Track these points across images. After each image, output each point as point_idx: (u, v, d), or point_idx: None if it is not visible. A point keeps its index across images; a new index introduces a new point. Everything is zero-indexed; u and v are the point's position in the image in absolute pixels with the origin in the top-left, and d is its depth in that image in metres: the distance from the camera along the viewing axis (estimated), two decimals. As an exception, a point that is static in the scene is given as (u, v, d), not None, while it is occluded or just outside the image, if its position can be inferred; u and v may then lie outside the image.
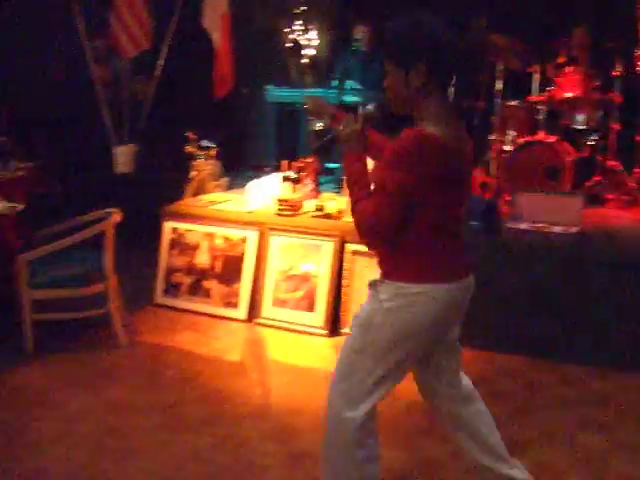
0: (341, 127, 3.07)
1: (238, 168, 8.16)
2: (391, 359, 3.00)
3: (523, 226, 5.56)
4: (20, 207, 5.66)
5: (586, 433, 4.20)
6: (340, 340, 5.45)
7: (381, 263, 3.07)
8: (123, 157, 8.49)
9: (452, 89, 7.19)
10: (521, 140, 6.92)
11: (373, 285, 3.05)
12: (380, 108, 3.09)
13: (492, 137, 7.27)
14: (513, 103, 7.29)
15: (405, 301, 2.92)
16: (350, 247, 5.63)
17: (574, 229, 5.54)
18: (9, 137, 8.11)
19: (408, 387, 3.30)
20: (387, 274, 3.00)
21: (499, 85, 7.32)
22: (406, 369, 3.12)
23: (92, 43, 8.54)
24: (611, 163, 6.92)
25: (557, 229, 5.51)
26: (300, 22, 9.08)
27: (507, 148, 7.13)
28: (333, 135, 3.15)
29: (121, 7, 8.30)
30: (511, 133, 7.21)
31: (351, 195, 3.00)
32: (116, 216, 5.36)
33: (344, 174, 3.36)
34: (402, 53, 2.91)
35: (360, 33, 7.82)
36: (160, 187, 7.73)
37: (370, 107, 3.11)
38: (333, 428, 3.11)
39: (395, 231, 2.87)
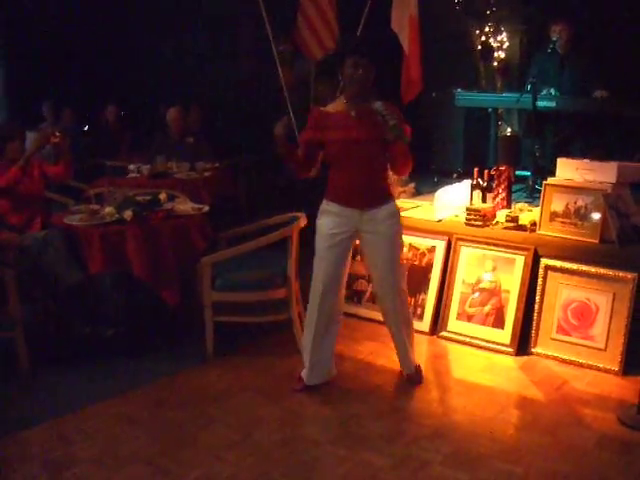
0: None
1: (424, 174, 7.96)
2: None
3: None
4: (206, 208, 5.69)
5: None
6: (528, 360, 5.19)
7: (385, 188, 4.62)
8: (307, 160, 8.44)
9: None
10: None
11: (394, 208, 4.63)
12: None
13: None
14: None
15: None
16: (544, 262, 5.32)
17: None
18: (197, 138, 8.27)
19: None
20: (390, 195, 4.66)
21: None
22: None
23: (278, 46, 8.56)
24: None
25: None
26: (491, 24, 8.80)
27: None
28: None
29: (308, 8, 8.27)
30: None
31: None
32: (301, 221, 5.29)
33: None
34: (374, 53, 4.32)
35: (556, 34, 7.45)
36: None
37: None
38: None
39: None
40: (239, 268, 5.31)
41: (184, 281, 5.40)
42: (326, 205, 4.59)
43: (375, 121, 4.32)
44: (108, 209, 5.34)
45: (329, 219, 4.54)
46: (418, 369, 4.91)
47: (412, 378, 4.87)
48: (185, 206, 5.73)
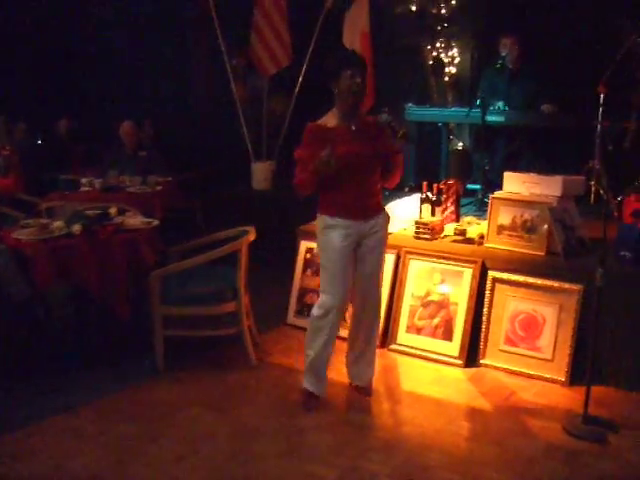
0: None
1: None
2: None
3: (679, 257, 5.17)
4: (156, 222, 5.68)
5: None
6: (477, 372, 5.24)
7: (379, 199, 4.72)
8: (261, 174, 8.50)
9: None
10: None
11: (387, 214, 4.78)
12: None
13: (646, 160, 6.87)
14: (670, 123, 6.86)
15: None
16: (491, 274, 5.38)
17: None
18: (150, 152, 8.26)
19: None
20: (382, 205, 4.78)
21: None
22: None
23: (232, 61, 8.59)
24: None
25: None
26: (442, 39, 8.90)
27: (662, 172, 6.72)
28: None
29: (262, 25, 8.33)
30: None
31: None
32: (250, 234, 5.29)
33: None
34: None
35: (505, 49, 7.55)
36: (297, 205, 7.66)
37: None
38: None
39: None
40: (190, 282, 5.29)
41: (135, 295, 5.39)
42: (331, 220, 4.56)
43: (373, 134, 4.46)
44: (57, 223, 5.30)
45: (338, 233, 4.54)
46: (370, 381, 4.94)
47: (364, 390, 4.89)
48: (135, 220, 5.71)
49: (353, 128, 4.46)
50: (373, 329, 4.84)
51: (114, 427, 4.42)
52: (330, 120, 4.53)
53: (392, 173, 4.65)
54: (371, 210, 4.62)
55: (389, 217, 4.83)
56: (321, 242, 4.65)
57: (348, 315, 5.39)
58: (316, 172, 4.31)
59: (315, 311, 4.66)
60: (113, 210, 5.67)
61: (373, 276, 4.72)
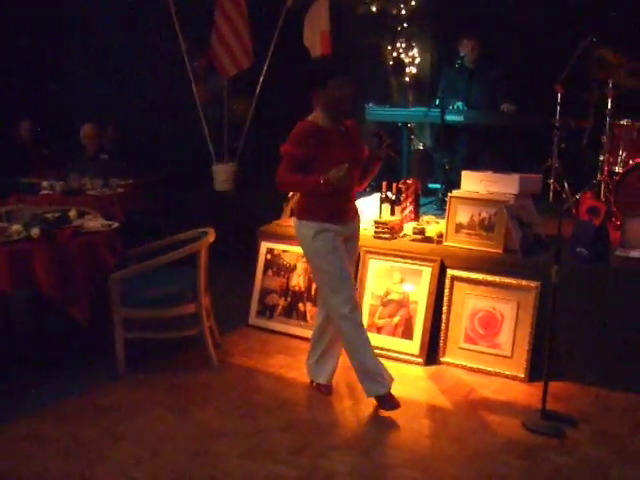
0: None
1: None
2: None
3: (634, 254, 5.23)
4: (115, 225, 5.65)
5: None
6: (437, 370, 5.28)
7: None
8: (223, 175, 8.50)
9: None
10: (633, 161, 6.58)
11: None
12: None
13: (601, 158, 6.95)
14: (624, 122, 6.94)
15: None
16: (450, 272, 5.43)
17: (690, 258, 5.18)
18: (112, 155, 8.23)
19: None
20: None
21: (609, 103, 6.95)
22: None
23: (193, 62, 8.58)
24: None
25: (671, 258, 5.17)
26: (402, 39, 8.95)
27: (618, 170, 6.80)
28: None
29: (222, 26, 8.33)
30: (622, 154, 6.88)
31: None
32: (210, 236, 5.29)
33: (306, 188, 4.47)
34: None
35: (464, 49, 7.61)
36: (258, 206, 7.68)
37: None
38: None
39: None
40: (150, 284, 5.28)
41: (95, 298, 5.36)
42: (321, 226, 4.50)
43: (356, 138, 4.55)
44: (15, 227, 5.25)
45: (329, 235, 4.52)
46: (331, 379, 4.96)
47: (326, 389, 4.92)
48: (95, 223, 5.68)
49: (342, 129, 4.48)
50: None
51: (74, 431, 4.39)
52: (320, 121, 4.48)
53: (367, 178, 4.72)
54: (352, 213, 4.70)
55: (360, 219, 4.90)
56: (313, 249, 4.57)
57: (310, 316, 5.45)
58: (328, 185, 4.25)
59: (337, 319, 4.62)
60: (72, 213, 5.64)
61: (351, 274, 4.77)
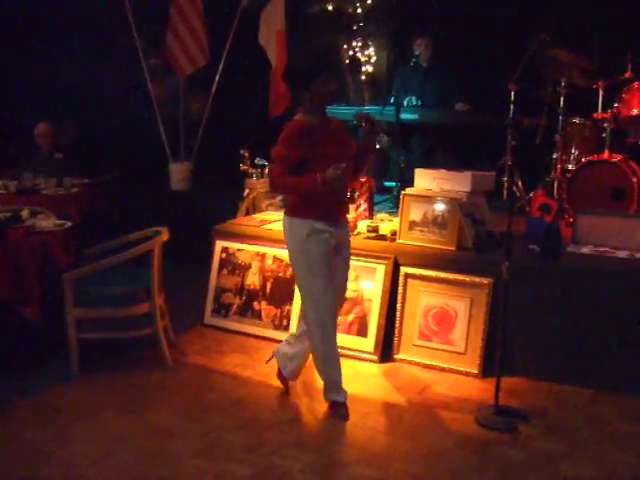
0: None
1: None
2: None
3: (585, 250, 5.31)
4: (68, 224, 5.61)
5: (650, 472, 3.95)
6: (392, 367, 5.31)
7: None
8: (179, 174, 8.47)
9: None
10: (585, 159, 6.66)
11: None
12: None
13: (555, 156, 7.02)
14: (577, 120, 7.03)
15: None
16: (404, 270, 5.45)
17: (640, 253, 5.25)
18: (67, 154, 8.15)
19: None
20: None
21: (562, 102, 7.03)
22: None
23: (149, 61, 8.53)
24: (682, 183, 6.63)
25: (622, 254, 5.23)
26: (358, 38, 8.97)
27: (570, 167, 6.89)
28: None
29: (178, 24, 8.29)
30: (574, 152, 6.96)
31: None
32: (163, 235, 5.27)
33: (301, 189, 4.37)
34: None
35: (419, 48, 7.65)
36: (214, 205, 7.67)
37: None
38: None
39: None
40: (103, 284, 5.24)
41: (49, 298, 5.31)
42: (314, 225, 4.40)
43: (344, 135, 4.52)
44: (-34, 227, 5.21)
45: (323, 237, 4.43)
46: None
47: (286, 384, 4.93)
48: (48, 222, 5.63)
49: (331, 126, 4.43)
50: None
51: (27, 432, 4.35)
52: (309, 120, 4.41)
53: (360, 173, 4.71)
54: (345, 213, 4.65)
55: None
56: (304, 250, 4.46)
57: (265, 315, 5.44)
58: (326, 185, 4.20)
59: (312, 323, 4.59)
60: (25, 213, 5.60)
61: (344, 285, 4.76)
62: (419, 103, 7.47)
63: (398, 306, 5.44)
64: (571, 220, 6.02)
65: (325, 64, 4.58)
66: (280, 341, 5.16)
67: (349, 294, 5.48)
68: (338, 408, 4.61)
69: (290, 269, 5.77)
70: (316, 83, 4.36)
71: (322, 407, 4.72)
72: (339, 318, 5.49)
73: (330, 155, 4.27)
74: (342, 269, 4.66)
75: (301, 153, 4.29)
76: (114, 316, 5.19)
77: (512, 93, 7.19)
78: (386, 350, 5.43)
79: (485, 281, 5.20)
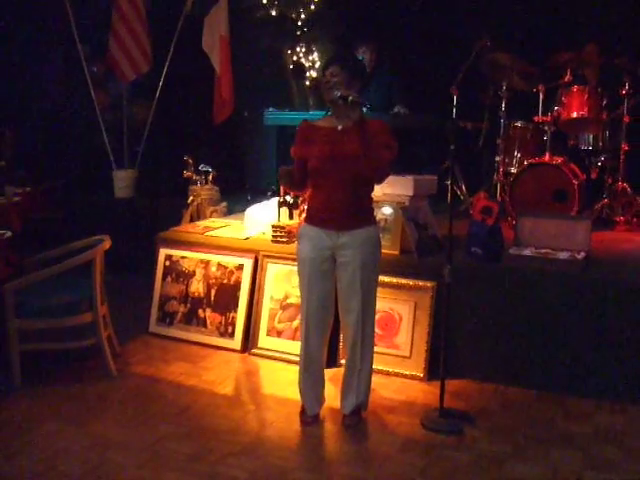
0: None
1: (238, 192, 8.03)
2: None
3: (526, 252, 5.35)
4: (8, 234, 5.52)
5: (592, 472, 4.00)
6: (338, 372, 5.28)
7: (366, 211, 4.47)
8: (122, 182, 8.39)
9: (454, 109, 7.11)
10: (527, 162, 6.74)
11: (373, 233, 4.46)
12: None
13: (497, 159, 7.10)
14: (518, 124, 7.12)
15: None
16: (347, 274, 5.44)
17: (581, 255, 5.30)
18: (8, 162, 8.04)
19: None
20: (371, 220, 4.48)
21: (504, 105, 7.11)
22: None
23: (91, 67, 8.44)
24: (620, 184, 6.74)
25: (563, 255, 5.28)
26: (302, 44, 8.98)
27: (512, 170, 6.97)
28: None
29: (120, 30, 8.22)
30: (516, 155, 7.05)
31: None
32: (105, 243, 5.22)
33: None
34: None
35: (362, 54, 7.69)
36: (158, 212, 7.62)
37: None
38: None
39: None
40: (45, 294, 5.17)
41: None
42: (303, 228, 4.50)
43: (361, 135, 4.16)
44: None
45: (306, 243, 4.41)
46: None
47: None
48: (-14, 232, 5.55)
49: (339, 128, 4.30)
50: (355, 361, 4.58)
51: (-34, 448, 4.28)
52: (326, 121, 4.42)
53: (375, 170, 4.33)
54: (347, 220, 4.34)
55: (378, 236, 4.55)
56: (297, 250, 4.53)
57: (210, 322, 5.39)
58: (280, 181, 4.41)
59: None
60: (-37, 223, 5.51)
61: (350, 302, 4.45)
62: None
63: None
64: (514, 222, 6.08)
65: (331, 60, 4.48)
66: (226, 349, 5.13)
67: (294, 300, 5.50)
68: (304, 416, 4.63)
69: (233, 276, 5.79)
70: (322, 82, 4.40)
71: (267, 415, 4.72)
72: (283, 324, 5.53)
73: (320, 155, 4.26)
74: (348, 288, 4.42)
75: (301, 152, 4.37)
76: (56, 326, 5.11)
77: (454, 97, 7.25)
78: (331, 355, 5.38)
79: (428, 284, 5.23)
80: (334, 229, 4.33)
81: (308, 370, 4.57)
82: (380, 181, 4.48)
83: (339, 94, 4.15)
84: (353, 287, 4.38)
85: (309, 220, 4.46)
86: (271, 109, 7.92)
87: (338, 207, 4.31)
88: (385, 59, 7.94)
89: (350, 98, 4.11)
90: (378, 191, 5.61)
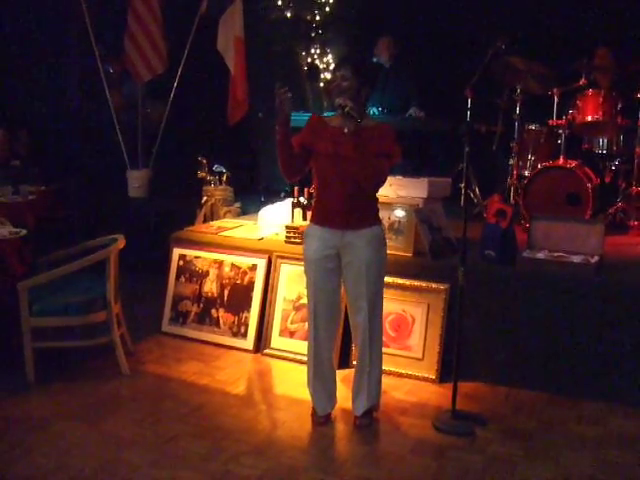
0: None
1: (252, 193, 8.04)
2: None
3: (540, 255, 5.34)
4: (23, 232, 5.55)
5: (604, 475, 4.00)
6: (350, 373, 5.28)
7: (371, 210, 4.45)
8: (137, 181, 8.43)
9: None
10: (541, 165, 6.73)
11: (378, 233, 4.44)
12: None
13: (511, 162, 7.10)
14: (532, 127, 7.11)
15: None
16: (360, 276, 5.45)
17: (595, 258, 5.29)
18: (23, 161, 8.08)
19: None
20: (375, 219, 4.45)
21: (518, 109, 7.10)
22: None
23: (107, 68, 8.48)
24: (634, 189, 6.73)
25: (576, 258, 5.27)
26: (317, 45, 9.00)
27: (526, 173, 6.96)
28: None
29: (136, 31, 8.25)
30: (530, 158, 7.04)
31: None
32: (120, 243, 5.24)
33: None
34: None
35: (379, 50, 7.73)
36: (172, 212, 7.64)
37: None
38: None
39: None
40: (59, 292, 5.20)
41: (5, 306, 5.26)
42: (309, 228, 4.51)
43: (369, 139, 4.20)
44: None
45: (312, 242, 4.42)
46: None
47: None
48: (2, 230, 5.57)
49: (345, 130, 4.23)
50: (364, 358, 4.57)
51: (-20, 444, 4.30)
52: (336, 120, 4.38)
53: (366, 178, 4.31)
54: (352, 219, 4.34)
55: (384, 236, 4.55)
56: (304, 250, 4.52)
57: (223, 322, 5.40)
58: (278, 123, 4.26)
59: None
60: (-22, 221, 5.55)
61: (358, 303, 4.45)
62: (377, 113, 7.50)
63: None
64: (527, 225, 6.08)
65: (341, 62, 4.50)
66: (239, 349, 5.15)
67: (305, 301, 5.48)
68: (315, 414, 4.63)
69: (247, 276, 5.81)
70: (331, 82, 4.44)
71: (279, 414, 4.73)
72: (296, 325, 5.54)
73: (325, 154, 4.28)
74: (355, 288, 4.44)
75: (304, 140, 4.35)
76: (70, 324, 5.14)
77: (469, 100, 7.25)
78: (344, 356, 5.42)
79: (442, 287, 5.23)
80: (339, 228, 4.33)
81: (317, 370, 4.57)
82: (374, 189, 4.42)
83: (339, 102, 4.18)
84: (360, 286, 4.40)
85: (314, 219, 4.47)
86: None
87: (342, 206, 4.32)
88: (403, 56, 7.95)
89: (346, 109, 4.14)
90: (392, 193, 5.64)
